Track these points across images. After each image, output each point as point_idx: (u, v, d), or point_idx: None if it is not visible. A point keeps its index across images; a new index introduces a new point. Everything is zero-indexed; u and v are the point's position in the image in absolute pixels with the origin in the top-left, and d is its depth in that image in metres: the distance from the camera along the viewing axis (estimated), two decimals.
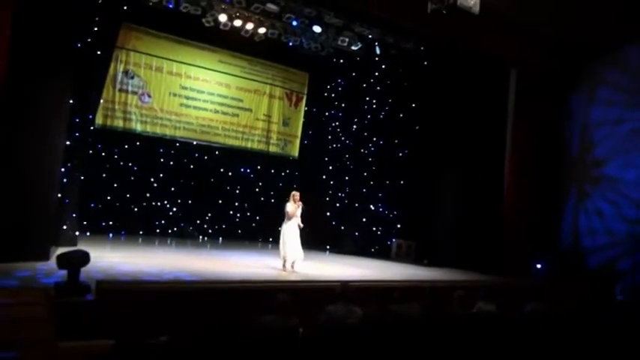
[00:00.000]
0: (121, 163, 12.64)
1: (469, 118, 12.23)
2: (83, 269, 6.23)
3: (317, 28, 12.03)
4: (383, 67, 13.62)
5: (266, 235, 13.21)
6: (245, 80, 14.09)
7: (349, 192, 14.06)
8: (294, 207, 9.25)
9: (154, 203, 13.09)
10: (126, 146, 12.65)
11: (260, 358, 4.04)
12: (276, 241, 10.03)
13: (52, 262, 6.76)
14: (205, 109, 13.57)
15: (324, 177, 14.59)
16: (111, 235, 12.25)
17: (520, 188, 12.03)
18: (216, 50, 13.47)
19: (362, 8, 9.34)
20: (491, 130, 12.24)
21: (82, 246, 8.24)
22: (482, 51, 11.08)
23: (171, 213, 13.35)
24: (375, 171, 13.71)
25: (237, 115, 14.07)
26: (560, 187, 12.49)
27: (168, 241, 12.44)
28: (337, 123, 14.68)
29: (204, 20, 11.52)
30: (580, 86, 12.37)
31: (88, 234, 11.18)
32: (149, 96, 12.78)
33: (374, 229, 13.58)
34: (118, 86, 12.34)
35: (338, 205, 14.19)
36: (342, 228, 13.88)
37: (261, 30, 12.11)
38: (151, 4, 11.02)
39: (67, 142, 9.11)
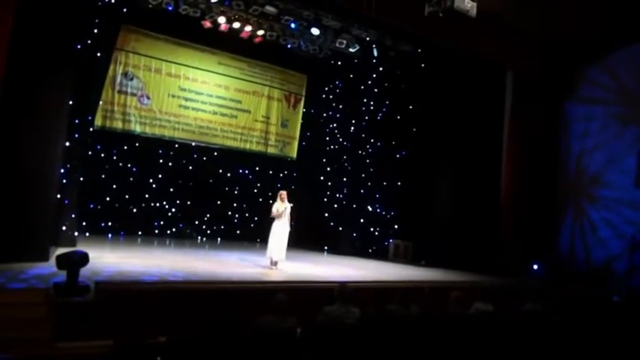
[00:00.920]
0: (120, 164, 12.67)
1: (466, 120, 12.30)
2: (82, 270, 6.26)
3: (315, 31, 12.09)
4: (380, 69, 13.68)
5: (264, 236, 13.14)
6: (244, 82, 14.14)
7: (347, 193, 14.10)
8: (281, 206, 9.26)
9: (152, 204, 13.13)
10: (125, 147, 12.69)
11: (258, 358, 4.07)
12: None
13: (52, 263, 6.78)
14: (204, 111, 13.60)
15: (321, 178, 14.65)
16: (110, 235, 12.29)
17: (517, 189, 12.09)
18: (215, 52, 13.52)
19: (360, 11, 9.37)
20: (488, 132, 12.31)
21: (81, 246, 8.30)
22: (479, 53, 11.13)
23: (170, 214, 13.39)
24: (372, 172, 13.76)
25: (236, 117, 14.11)
26: (556, 188, 12.53)
27: (167, 242, 12.48)
28: (335, 124, 14.74)
29: (203, 22, 11.57)
30: (576, 88, 12.42)
31: (87, 234, 11.23)
32: (148, 97, 12.82)
33: (371, 229, 13.64)
34: (117, 88, 12.39)
35: (336, 206, 14.24)
36: (340, 229, 13.93)
37: (260, 32, 12.16)
38: (150, 6, 11.07)
39: (67, 143, 9.15)
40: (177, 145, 13.36)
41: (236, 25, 11.83)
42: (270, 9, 11.20)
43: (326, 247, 13.72)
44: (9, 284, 6.37)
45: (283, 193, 9.42)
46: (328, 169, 14.62)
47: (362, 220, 13.70)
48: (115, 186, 12.50)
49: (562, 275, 11.17)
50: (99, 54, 10.36)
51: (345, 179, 14.22)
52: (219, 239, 13.76)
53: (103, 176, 12.31)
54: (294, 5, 11.18)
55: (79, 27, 8.89)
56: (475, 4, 7.50)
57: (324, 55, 13.63)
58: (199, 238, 13.61)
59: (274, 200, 9.56)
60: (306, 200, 14.35)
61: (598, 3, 9.70)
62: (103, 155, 12.32)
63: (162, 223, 13.27)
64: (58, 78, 8.45)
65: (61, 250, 7.00)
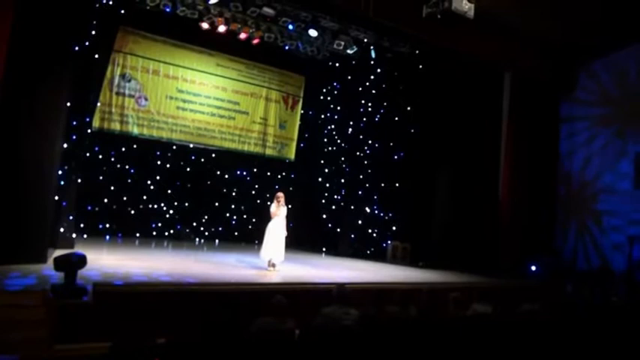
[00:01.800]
0: (118, 166, 12.68)
1: (464, 121, 12.31)
2: (80, 271, 6.24)
3: (313, 32, 12.10)
4: (378, 70, 13.69)
5: (262, 238, 13.19)
6: (241, 83, 14.14)
7: (345, 194, 14.10)
8: (277, 208, 9.25)
9: (150, 206, 13.13)
10: (123, 149, 12.69)
11: None
12: None
13: (50, 265, 6.76)
14: (202, 112, 13.60)
15: (320, 179, 14.65)
16: (108, 237, 12.26)
17: (515, 190, 12.10)
18: (213, 54, 13.52)
19: (357, 12, 9.38)
20: (486, 133, 12.32)
21: (79, 248, 8.29)
22: (477, 54, 11.14)
23: (167, 215, 13.39)
24: (370, 173, 13.75)
25: (234, 118, 14.11)
26: (555, 188, 12.55)
27: (165, 244, 12.46)
28: (333, 126, 14.75)
29: (200, 24, 11.58)
30: (573, 89, 12.45)
31: (85, 236, 11.22)
32: (146, 99, 12.81)
33: (370, 231, 13.63)
34: (115, 89, 12.39)
35: (334, 207, 14.24)
36: (338, 230, 13.92)
37: (258, 34, 12.17)
38: (148, 7, 11.08)
39: (65, 145, 9.11)
40: (174, 147, 13.36)
41: (234, 26, 11.84)
42: (267, 10, 11.21)
43: (324, 249, 13.72)
44: (6, 286, 6.36)
45: (280, 195, 9.39)
46: (326, 170, 14.62)
47: (360, 222, 13.69)
48: (112, 188, 12.50)
49: (560, 276, 11.18)
50: (97, 55, 10.33)
51: (343, 180, 14.22)
52: (217, 241, 13.76)
53: (101, 178, 12.32)
54: (292, 7, 11.19)
55: (77, 28, 8.87)
56: (473, 5, 7.52)
57: (321, 57, 13.64)
58: (197, 239, 13.60)
59: (271, 202, 9.54)
60: (304, 202, 14.41)
61: (596, 4, 9.73)
62: (100, 157, 12.32)
63: (160, 224, 13.27)
64: (56, 80, 8.43)
65: (58, 252, 6.98)
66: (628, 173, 11.17)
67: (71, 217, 9.79)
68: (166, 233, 13.26)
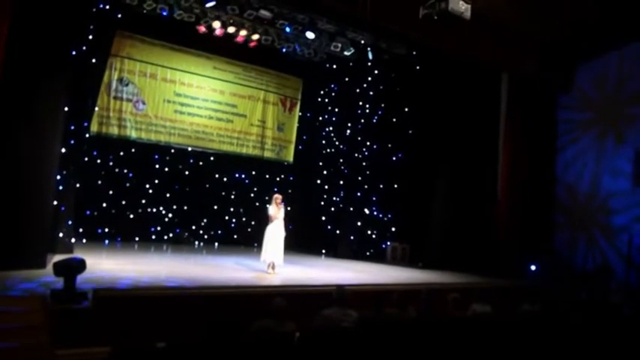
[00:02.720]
0: (117, 170, 12.66)
1: (462, 122, 12.32)
2: (79, 276, 6.24)
3: (310, 34, 12.12)
4: (376, 72, 13.69)
5: (261, 240, 13.19)
6: (239, 86, 14.14)
7: (344, 196, 14.09)
8: (275, 210, 9.24)
9: (149, 210, 13.12)
10: (121, 153, 12.68)
11: None
12: None
13: (49, 270, 6.76)
14: (200, 116, 13.60)
15: (318, 181, 14.65)
16: (107, 241, 12.25)
17: (513, 190, 12.11)
18: (211, 57, 13.52)
19: (354, 14, 9.39)
20: (484, 133, 12.35)
21: (78, 253, 8.30)
22: (474, 55, 11.15)
23: (166, 219, 13.37)
24: (369, 175, 13.75)
25: (232, 121, 14.11)
26: (553, 188, 12.56)
27: (164, 248, 12.45)
28: (331, 128, 14.75)
29: (197, 27, 11.59)
30: (570, 89, 12.46)
31: (84, 241, 11.19)
32: (143, 103, 12.81)
33: (369, 232, 13.63)
34: (112, 94, 12.38)
35: (333, 209, 14.24)
36: (337, 232, 13.90)
37: (255, 36, 12.18)
38: (145, 11, 11.08)
39: (63, 150, 9.11)
40: (173, 151, 13.36)
41: (231, 29, 11.85)
42: (264, 13, 11.23)
43: (323, 251, 13.71)
44: (6, 291, 6.35)
45: (278, 197, 9.38)
46: (325, 172, 14.61)
47: (359, 223, 13.69)
48: (111, 192, 12.49)
49: (560, 276, 11.19)
50: (94, 60, 10.35)
51: (341, 182, 14.22)
52: (216, 244, 13.75)
53: (100, 182, 12.30)
54: (289, 9, 11.21)
55: (74, 33, 8.89)
56: (469, 6, 7.53)
57: (319, 59, 13.66)
58: (196, 243, 13.59)
59: (270, 205, 9.53)
60: (303, 204, 14.41)
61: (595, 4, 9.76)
62: (99, 161, 12.30)
63: (159, 228, 13.25)
64: (54, 84, 8.44)
65: (58, 257, 6.99)
66: (628, 171, 11.17)
67: (70, 222, 9.78)
68: (165, 237, 13.24)
